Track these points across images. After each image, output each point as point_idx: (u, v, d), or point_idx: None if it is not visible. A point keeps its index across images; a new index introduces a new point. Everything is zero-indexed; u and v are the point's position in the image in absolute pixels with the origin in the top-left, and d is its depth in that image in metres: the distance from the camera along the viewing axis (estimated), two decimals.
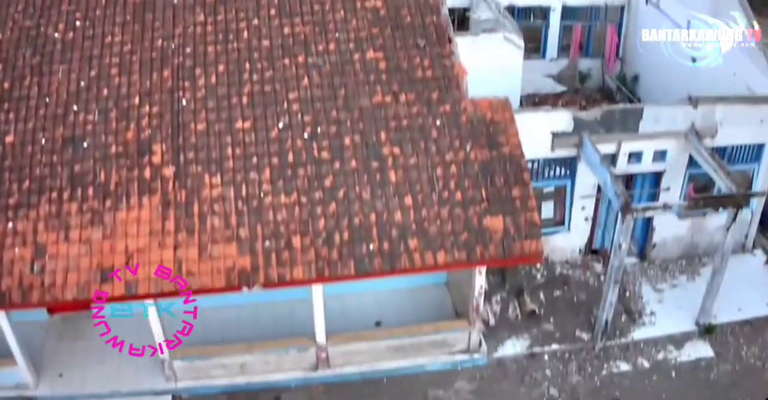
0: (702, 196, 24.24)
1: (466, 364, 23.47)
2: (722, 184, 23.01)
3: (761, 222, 27.85)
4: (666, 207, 22.51)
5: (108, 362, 22.41)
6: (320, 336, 22.10)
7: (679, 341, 24.68)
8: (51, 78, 21.61)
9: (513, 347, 24.08)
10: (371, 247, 19.32)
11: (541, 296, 25.15)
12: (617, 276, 22.83)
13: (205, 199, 19.43)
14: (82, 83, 21.48)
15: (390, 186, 20.39)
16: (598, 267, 26.26)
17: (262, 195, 19.63)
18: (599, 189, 25.34)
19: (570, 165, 24.98)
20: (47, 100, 21.25)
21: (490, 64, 24.77)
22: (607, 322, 23.63)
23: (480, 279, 22.17)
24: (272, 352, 22.06)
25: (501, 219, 20.34)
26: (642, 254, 27.22)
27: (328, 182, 20.18)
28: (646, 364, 24.00)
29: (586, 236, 26.40)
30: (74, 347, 22.94)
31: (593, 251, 26.88)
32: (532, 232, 20.37)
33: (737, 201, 22.45)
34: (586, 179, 25.16)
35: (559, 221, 26.18)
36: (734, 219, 22.73)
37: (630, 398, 22.49)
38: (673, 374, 23.75)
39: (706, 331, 24.73)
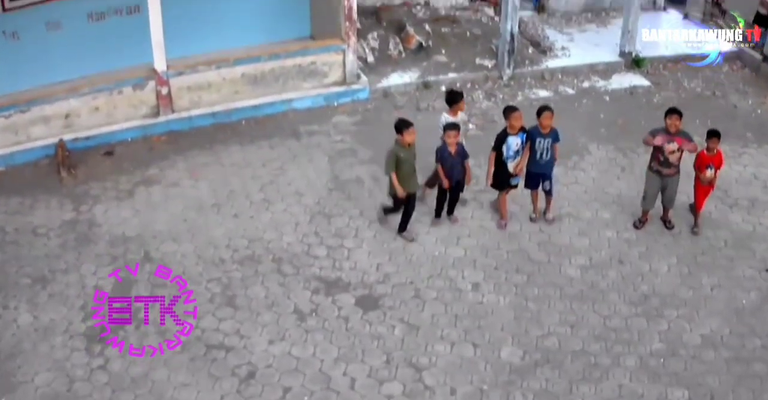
0: None
1: (343, 98, 17.93)
2: None
3: None
4: None
5: None
6: (159, 60, 16.48)
7: (604, 71, 19.69)
8: None
9: (400, 78, 18.49)
10: None
11: (427, 28, 19.58)
12: None
13: None
14: None
15: None
16: (490, 12, 20.79)
17: None
18: None
19: None
20: None
21: None
22: (513, 36, 18.36)
23: None
24: (102, 90, 16.59)
25: None
26: (539, 5, 22.03)
27: None
28: (570, 91, 18.79)
29: None
30: None
31: None
32: None
33: None
34: None
35: None
36: None
37: (558, 120, 16.79)
38: (607, 98, 18.62)
39: (635, 63, 19.69)
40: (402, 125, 12.96)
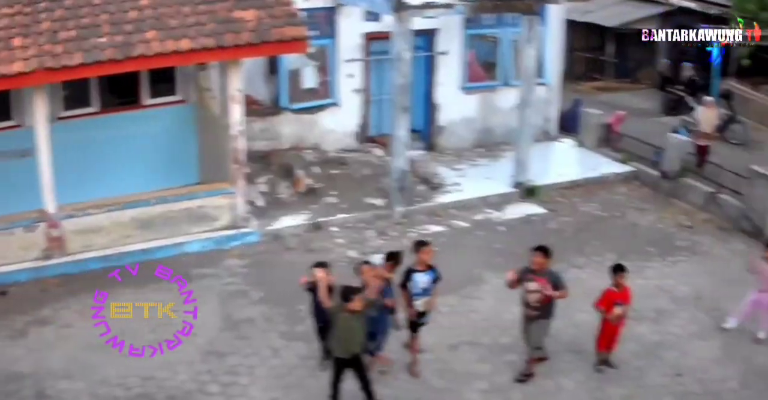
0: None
1: (234, 241, 17.64)
2: None
3: (562, 127, 24.31)
4: (448, 5, 18.36)
5: None
6: (50, 203, 16.27)
7: (497, 203, 19.88)
8: None
9: (292, 220, 18.33)
10: (102, 40, 15.53)
11: (317, 170, 19.55)
12: (404, 101, 18.21)
13: None
14: None
15: None
16: (379, 152, 20.94)
17: None
18: (367, 52, 20.94)
19: (328, 20, 20.76)
20: None
21: None
22: (403, 174, 18.40)
23: (236, 111, 17.12)
24: None
25: (253, 12, 16.60)
26: (429, 143, 22.27)
27: None
28: (464, 224, 18.72)
29: (359, 115, 21.47)
30: None
31: (370, 139, 21.60)
32: (291, 21, 16.71)
33: (529, 6, 19.28)
34: (349, 39, 20.96)
35: (324, 93, 21.16)
36: (530, 30, 19.23)
37: (453, 253, 16.94)
38: (503, 228, 18.61)
39: (528, 193, 19.82)
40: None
